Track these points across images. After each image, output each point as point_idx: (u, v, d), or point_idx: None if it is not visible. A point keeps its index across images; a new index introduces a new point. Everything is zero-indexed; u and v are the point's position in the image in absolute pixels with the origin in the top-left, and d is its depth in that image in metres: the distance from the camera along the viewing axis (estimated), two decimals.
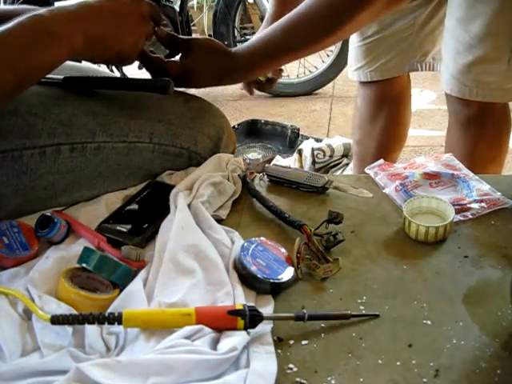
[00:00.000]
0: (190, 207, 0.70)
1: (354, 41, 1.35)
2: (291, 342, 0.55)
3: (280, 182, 0.86)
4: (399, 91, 1.41)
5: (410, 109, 1.49)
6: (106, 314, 0.53)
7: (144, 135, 0.80)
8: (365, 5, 0.77)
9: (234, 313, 0.53)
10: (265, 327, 0.55)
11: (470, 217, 0.74)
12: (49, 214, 0.70)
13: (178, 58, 0.84)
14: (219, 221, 0.74)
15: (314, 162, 1.88)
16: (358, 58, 1.36)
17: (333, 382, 0.50)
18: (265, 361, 0.50)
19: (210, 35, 3.58)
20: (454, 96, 1.14)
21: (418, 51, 1.32)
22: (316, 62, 3.06)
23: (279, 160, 2.03)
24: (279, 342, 0.55)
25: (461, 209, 0.75)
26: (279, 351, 0.53)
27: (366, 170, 0.89)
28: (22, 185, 0.71)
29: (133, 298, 0.58)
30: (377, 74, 1.36)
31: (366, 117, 1.47)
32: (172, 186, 0.77)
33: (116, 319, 0.53)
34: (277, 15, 1.25)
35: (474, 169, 0.93)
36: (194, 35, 3.13)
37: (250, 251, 0.63)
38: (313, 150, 1.89)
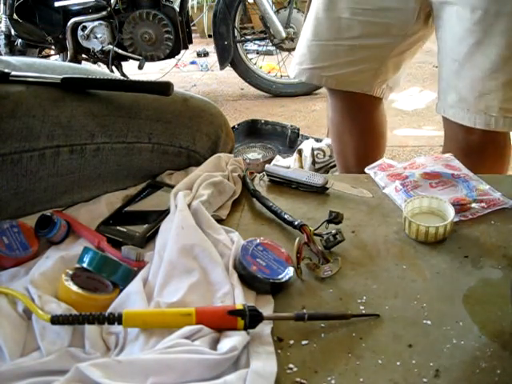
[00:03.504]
0: (190, 207, 0.70)
1: (322, 37, 1.18)
2: (291, 342, 0.55)
3: (280, 182, 0.86)
4: (370, 100, 1.30)
5: (384, 113, 1.40)
6: (106, 314, 0.53)
7: (143, 135, 0.80)
8: None
9: (234, 313, 0.53)
10: (265, 327, 0.55)
11: (470, 217, 0.74)
12: (49, 214, 0.70)
13: None
14: (219, 221, 0.74)
15: (314, 162, 1.88)
16: (319, 57, 1.20)
17: (333, 382, 0.50)
18: (265, 361, 0.50)
19: (209, 35, 3.59)
20: (459, 123, 1.05)
21: (382, 74, 1.21)
22: None
23: (279, 160, 2.02)
24: (279, 342, 0.55)
25: (461, 209, 0.75)
26: (279, 351, 0.53)
27: (366, 170, 0.89)
28: (22, 188, 0.71)
29: (133, 298, 0.58)
30: (332, 82, 1.23)
31: (341, 128, 1.40)
32: (172, 186, 0.77)
33: (116, 319, 0.53)
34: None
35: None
36: (193, 35, 3.12)
37: (250, 251, 0.63)
38: (313, 149, 1.89)
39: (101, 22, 2.72)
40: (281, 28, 2.84)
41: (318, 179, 0.83)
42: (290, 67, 1.32)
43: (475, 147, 1.08)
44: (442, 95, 1.10)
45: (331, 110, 1.39)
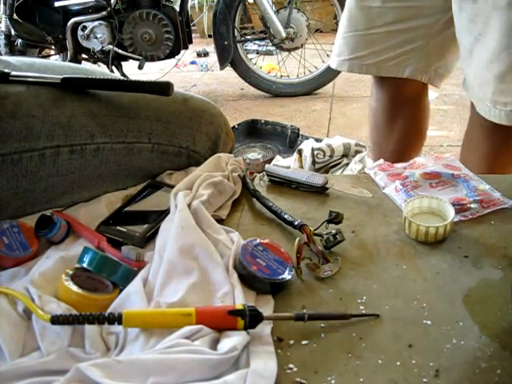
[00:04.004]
0: (190, 207, 0.70)
1: (357, 27, 1.21)
2: (291, 341, 0.55)
3: (280, 182, 0.86)
4: (415, 92, 1.32)
5: (428, 110, 1.40)
6: (106, 314, 0.53)
7: (143, 135, 0.80)
8: None
9: (234, 313, 0.53)
10: (265, 327, 0.55)
11: (470, 217, 0.74)
12: (49, 214, 0.70)
13: None
14: (219, 221, 0.74)
15: (313, 162, 1.87)
16: (357, 47, 1.23)
17: (333, 382, 0.50)
18: (265, 361, 0.50)
19: (209, 35, 3.59)
20: None
21: (423, 58, 1.22)
22: (316, 61, 3.06)
23: (279, 160, 2.02)
24: (279, 342, 0.55)
25: (461, 209, 0.75)
26: (279, 351, 0.53)
27: (366, 170, 0.89)
28: (22, 188, 0.71)
29: (133, 298, 0.58)
30: (373, 70, 1.26)
31: (381, 120, 1.40)
32: (172, 186, 0.77)
33: (116, 319, 0.53)
34: None
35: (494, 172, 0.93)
36: (193, 35, 3.12)
37: (250, 251, 0.63)
38: (313, 149, 1.88)
39: (101, 21, 2.72)
40: (281, 28, 2.84)
41: (317, 179, 0.83)
42: (330, 59, 1.33)
43: (497, 126, 1.05)
44: (463, 74, 1.11)
45: (374, 100, 1.40)
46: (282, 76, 3.19)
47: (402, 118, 1.36)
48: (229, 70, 3.12)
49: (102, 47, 2.77)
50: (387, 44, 1.20)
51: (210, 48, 4.11)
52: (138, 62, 2.77)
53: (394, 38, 1.19)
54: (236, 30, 2.94)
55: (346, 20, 1.23)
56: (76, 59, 2.84)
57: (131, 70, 2.96)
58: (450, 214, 0.71)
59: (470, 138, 1.20)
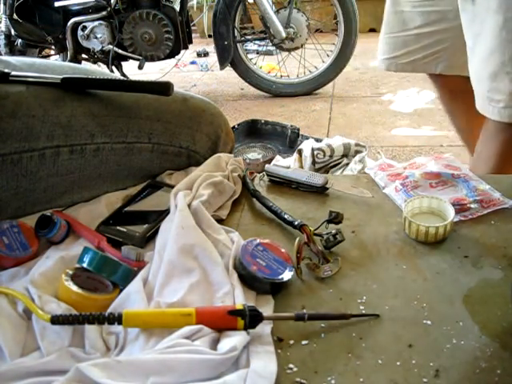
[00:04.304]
0: (190, 207, 0.70)
1: (392, 30, 1.35)
2: (291, 341, 0.55)
3: (280, 182, 0.86)
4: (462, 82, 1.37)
5: None
6: (106, 314, 0.53)
7: (143, 135, 0.80)
8: None
9: (234, 313, 0.53)
10: (265, 327, 0.55)
11: (470, 217, 0.74)
12: (49, 214, 0.70)
13: None
14: (219, 221, 0.74)
15: (313, 162, 1.87)
16: (393, 47, 1.36)
17: (333, 382, 0.50)
18: (265, 361, 0.50)
19: (209, 35, 3.59)
20: None
21: (453, 56, 1.31)
22: (316, 61, 3.06)
23: (279, 160, 2.02)
24: (279, 342, 0.55)
25: (461, 209, 0.75)
26: (279, 351, 0.53)
27: (366, 170, 0.89)
28: (22, 188, 0.71)
29: (133, 298, 0.58)
30: (408, 68, 1.38)
31: (447, 108, 1.51)
32: (172, 186, 0.77)
33: (116, 319, 0.53)
34: None
35: (506, 169, 1.01)
36: (193, 35, 3.12)
37: (250, 251, 0.63)
38: (313, 149, 1.88)
39: (101, 21, 2.72)
40: (281, 28, 2.84)
41: (317, 179, 0.83)
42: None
43: (508, 126, 1.08)
44: None
45: (436, 92, 1.51)
46: (282, 76, 3.19)
47: (461, 104, 1.43)
48: (229, 70, 3.11)
49: (102, 47, 2.76)
50: (419, 45, 1.31)
51: (210, 48, 4.11)
52: (138, 62, 2.77)
53: (425, 39, 1.30)
54: (236, 30, 2.94)
55: (384, 23, 1.36)
56: (76, 59, 2.84)
57: (131, 70, 2.96)
58: (450, 214, 0.71)
59: (483, 133, 1.24)
